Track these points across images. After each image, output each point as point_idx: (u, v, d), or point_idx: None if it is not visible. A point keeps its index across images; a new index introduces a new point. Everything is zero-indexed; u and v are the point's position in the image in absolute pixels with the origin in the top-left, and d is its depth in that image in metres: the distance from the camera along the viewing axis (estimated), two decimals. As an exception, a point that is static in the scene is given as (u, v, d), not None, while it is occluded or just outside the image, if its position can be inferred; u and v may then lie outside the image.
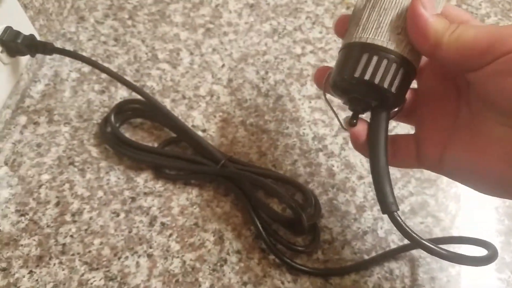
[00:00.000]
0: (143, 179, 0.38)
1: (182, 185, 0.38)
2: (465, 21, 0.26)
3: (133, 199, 0.37)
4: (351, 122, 0.27)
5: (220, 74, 0.45)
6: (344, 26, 0.28)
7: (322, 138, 0.41)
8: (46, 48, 0.38)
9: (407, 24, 0.24)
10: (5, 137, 0.40)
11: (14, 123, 0.41)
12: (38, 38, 0.43)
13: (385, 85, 0.25)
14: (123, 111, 0.41)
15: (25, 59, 0.42)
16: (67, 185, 0.37)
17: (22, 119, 0.41)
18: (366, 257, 0.35)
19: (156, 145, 0.40)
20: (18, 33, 0.38)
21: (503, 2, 0.51)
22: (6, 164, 0.38)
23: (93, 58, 0.46)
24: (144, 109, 0.41)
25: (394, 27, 0.25)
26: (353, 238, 0.35)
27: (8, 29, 0.38)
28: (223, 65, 0.46)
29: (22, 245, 0.34)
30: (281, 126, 0.42)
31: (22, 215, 0.36)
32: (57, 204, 0.36)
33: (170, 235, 0.35)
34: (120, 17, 0.49)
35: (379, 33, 0.25)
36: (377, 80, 0.25)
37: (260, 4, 0.50)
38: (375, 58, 0.25)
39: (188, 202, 0.37)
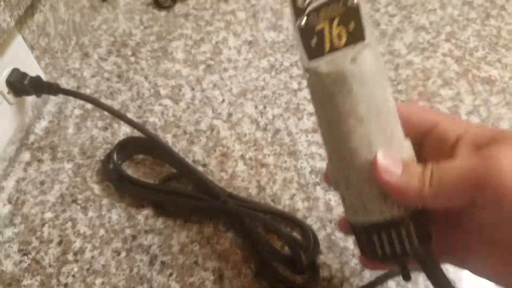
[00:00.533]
0: (144, 216, 0.37)
1: (183, 222, 0.36)
2: (429, 126, 0.24)
3: (134, 237, 0.35)
4: (406, 278, 0.24)
5: (220, 109, 0.44)
6: (347, 225, 0.26)
7: (319, 171, 0.40)
8: (52, 89, 0.38)
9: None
10: (9, 174, 0.39)
11: (18, 160, 0.40)
12: (43, 76, 0.43)
13: (408, 249, 0.23)
14: (126, 148, 0.40)
15: (30, 98, 0.41)
16: (69, 223, 0.36)
17: (26, 156, 0.40)
18: (365, 293, 0.33)
19: (157, 181, 0.39)
20: (24, 74, 0.38)
21: (490, 36, 0.50)
22: (9, 202, 0.37)
23: (97, 95, 0.45)
24: (145, 146, 0.41)
25: (379, 196, 0.22)
26: (351, 274, 0.34)
27: (15, 71, 0.38)
28: (223, 100, 0.45)
29: (24, 285, 0.33)
30: (279, 160, 0.41)
31: (24, 254, 0.34)
32: (60, 242, 0.35)
33: (170, 274, 0.34)
34: (124, 53, 0.49)
35: (370, 210, 0.23)
36: (399, 250, 0.23)
37: (258, 41, 0.50)
38: (384, 235, 0.23)
39: (188, 239, 0.35)
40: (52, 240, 0.35)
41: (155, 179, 0.39)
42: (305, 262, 0.32)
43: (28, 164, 0.40)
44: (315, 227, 0.36)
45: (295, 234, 0.35)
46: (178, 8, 0.53)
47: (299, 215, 0.37)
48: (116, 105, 0.45)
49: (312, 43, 0.23)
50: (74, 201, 0.37)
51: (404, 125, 0.23)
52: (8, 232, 0.35)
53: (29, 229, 0.36)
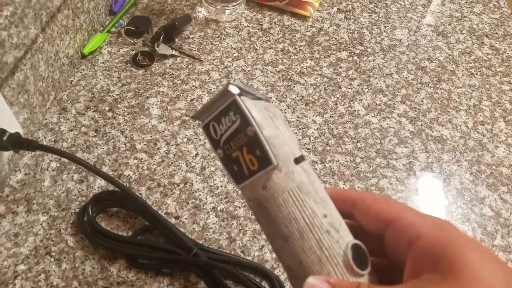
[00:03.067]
0: (116, 269, 0.39)
1: (154, 274, 0.39)
2: (389, 220, 0.25)
3: (107, 289, 0.38)
4: None
5: (193, 163, 0.48)
6: None
7: (287, 224, 0.44)
8: (30, 145, 0.41)
9: None
10: (-17, 227, 0.41)
11: (-7, 213, 0.42)
12: (21, 130, 0.46)
13: None
14: (100, 201, 0.43)
15: (7, 153, 0.44)
16: (42, 276, 0.38)
17: (1, 209, 0.42)
18: None
19: (130, 233, 0.42)
20: (3, 131, 0.41)
21: (441, 98, 0.57)
22: (-18, 255, 0.39)
23: (73, 148, 0.48)
24: (120, 199, 0.43)
25: None
26: (316, 323, 0.37)
27: (-6, 127, 0.40)
28: (196, 154, 0.49)
29: None
30: (249, 212, 0.44)
31: (-5, 307, 0.36)
32: (32, 295, 0.37)
33: (142, 325, 0.36)
34: (101, 109, 0.53)
35: None
36: None
37: (230, 99, 0.55)
38: None
39: (160, 290, 0.38)
40: (24, 293, 0.37)
41: (128, 232, 0.42)
42: (272, 311, 0.35)
43: (2, 216, 0.42)
44: (282, 277, 0.39)
45: (264, 284, 0.38)
46: (155, 67, 0.57)
47: (268, 265, 0.40)
48: (92, 159, 0.48)
49: (234, 168, 0.25)
50: (48, 253, 0.39)
51: (364, 216, 0.26)
52: (-21, 285, 0.37)
53: (1, 281, 0.37)
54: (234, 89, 0.24)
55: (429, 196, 0.47)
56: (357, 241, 0.25)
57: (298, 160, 0.25)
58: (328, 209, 0.25)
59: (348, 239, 0.24)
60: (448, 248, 0.21)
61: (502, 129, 0.54)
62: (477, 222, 0.45)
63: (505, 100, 0.58)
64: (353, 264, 0.23)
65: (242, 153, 0.24)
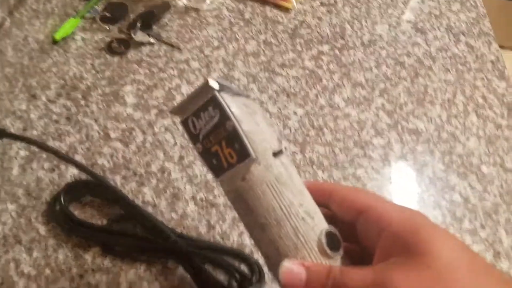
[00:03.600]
0: (91, 256, 0.39)
1: (130, 260, 0.39)
2: (361, 209, 0.27)
3: (81, 276, 0.37)
4: None
5: (172, 152, 0.48)
6: None
7: (266, 213, 0.44)
8: (-3, 131, 0.40)
9: None
10: None
11: (-43, 200, 0.41)
12: (-11, 116, 0.45)
13: None
14: (73, 190, 0.42)
15: (-25, 138, 0.43)
16: (12, 264, 0.37)
17: (-34, 197, 0.41)
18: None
19: (105, 222, 0.41)
20: (-29, 114, 0.40)
21: (418, 92, 0.60)
22: None
23: (44, 137, 0.48)
24: (93, 188, 0.43)
25: None
26: (296, 309, 0.38)
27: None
28: (175, 143, 0.49)
29: (-41, 329, 0.33)
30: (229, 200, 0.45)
31: (-39, 297, 0.35)
32: (1, 283, 0.36)
33: (119, 312, 0.35)
34: (74, 96, 0.52)
35: None
36: None
37: (209, 89, 0.55)
38: None
39: (136, 277, 0.38)
40: (-8, 282, 0.36)
41: (103, 221, 0.42)
42: (252, 296, 0.36)
43: (-32, 204, 0.41)
44: (261, 261, 0.40)
45: (243, 268, 0.39)
46: (131, 54, 0.57)
47: (247, 250, 0.41)
48: (64, 147, 0.47)
49: (213, 162, 0.26)
50: (18, 242, 0.39)
51: (338, 206, 0.28)
52: None
53: (-33, 270, 0.36)
54: (214, 84, 0.25)
55: (403, 185, 0.50)
56: (331, 227, 0.27)
57: (277, 154, 0.26)
58: (304, 198, 0.27)
59: (322, 226, 0.26)
60: (414, 234, 0.23)
61: (474, 122, 0.57)
62: (447, 208, 0.48)
63: (478, 95, 0.61)
64: (326, 248, 0.25)
65: (221, 147, 0.26)
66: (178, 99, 0.54)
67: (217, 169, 0.26)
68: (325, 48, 0.62)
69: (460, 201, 0.49)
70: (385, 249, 0.24)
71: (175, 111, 0.28)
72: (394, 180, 0.50)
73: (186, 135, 0.27)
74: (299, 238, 0.25)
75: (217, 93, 0.25)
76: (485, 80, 0.63)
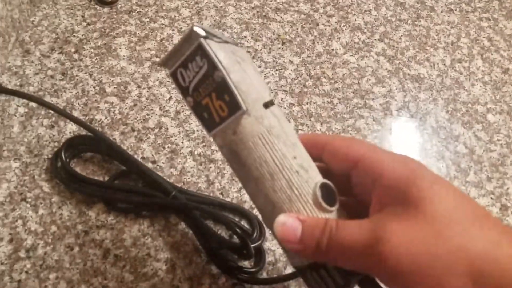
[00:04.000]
0: (95, 213, 0.40)
1: (134, 216, 0.40)
2: (355, 160, 0.26)
3: (86, 233, 0.39)
4: None
5: (167, 107, 0.48)
6: None
7: (265, 165, 0.45)
8: (-5, 89, 0.40)
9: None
10: (-48, 176, 0.41)
11: (-39, 161, 0.42)
12: (-17, 74, 0.45)
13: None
14: (73, 146, 0.43)
15: (-29, 98, 0.43)
16: (20, 222, 0.39)
17: (-31, 157, 0.42)
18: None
19: (107, 178, 0.43)
20: (-35, 74, 0.40)
21: (420, 36, 0.58)
22: (-46, 203, 0.39)
23: (41, 93, 0.48)
24: (93, 144, 0.44)
25: None
26: (293, 258, 0.40)
27: (-46, 70, 0.39)
28: (170, 98, 0.49)
29: (-25, 284, 0.36)
30: (226, 155, 0.46)
31: (-26, 254, 0.37)
32: (11, 240, 0.38)
33: (124, 266, 0.38)
34: (67, 50, 0.51)
35: (291, 257, 0.27)
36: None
37: (204, 39, 0.54)
38: (310, 276, 0.26)
39: (140, 233, 0.39)
40: (2, 239, 0.38)
41: (105, 177, 0.43)
42: (251, 249, 0.37)
43: (-28, 164, 0.42)
44: (260, 216, 0.41)
45: (243, 223, 0.40)
46: (121, 4, 0.55)
47: (246, 206, 0.42)
48: (61, 103, 0.47)
49: (205, 116, 0.26)
50: (24, 199, 0.40)
51: (332, 158, 0.27)
52: (-45, 233, 0.38)
53: (-23, 229, 0.38)
54: (199, 31, 0.24)
55: (405, 135, 0.50)
56: (325, 180, 0.26)
57: (268, 105, 0.26)
58: (298, 151, 0.26)
59: (317, 178, 0.26)
60: (410, 183, 0.23)
61: (479, 66, 0.56)
62: (451, 160, 0.48)
63: (483, 37, 0.59)
64: (321, 201, 0.25)
65: (212, 99, 0.25)
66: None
67: (209, 124, 0.26)
68: (323, -11, 0.60)
69: (465, 151, 0.49)
70: (380, 199, 0.24)
71: (163, 62, 0.27)
72: (396, 131, 0.50)
73: (176, 89, 0.26)
74: (293, 191, 0.25)
75: (203, 41, 0.24)
76: (491, 20, 0.61)
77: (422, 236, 0.21)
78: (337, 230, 0.24)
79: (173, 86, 0.49)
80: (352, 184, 0.27)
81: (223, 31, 0.55)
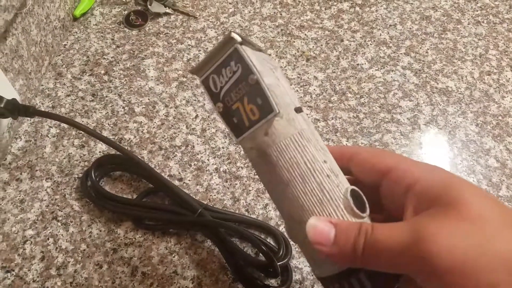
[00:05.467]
0: (123, 230, 0.40)
1: (161, 234, 0.40)
2: (386, 170, 0.26)
3: (115, 250, 0.39)
4: None
5: (194, 125, 0.49)
6: None
7: (291, 182, 0.45)
8: (28, 111, 0.41)
9: None
10: (-12, 195, 0.42)
11: (-4, 181, 0.43)
12: (18, 97, 0.46)
13: None
14: (103, 165, 0.44)
15: (6, 120, 0.44)
16: (51, 240, 0.39)
17: (5, 176, 0.44)
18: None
19: (135, 196, 0.43)
20: (0, 98, 0.41)
21: (447, 49, 0.57)
22: (-10, 222, 0.40)
23: (72, 114, 0.49)
24: (122, 163, 0.44)
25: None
26: (321, 276, 0.39)
27: (-10, 95, 0.41)
28: (196, 116, 0.49)
29: (8, 301, 0.36)
30: (252, 172, 0.45)
31: (7, 271, 0.38)
32: (42, 258, 0.38)
33: (151, 284, 0.37)
34: (97, 72, 0.53)
35: (319, 266, 0.26)
36: None
37: (229, 57, 0.55)
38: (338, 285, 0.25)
39: (167, 250, 0.39)
40: (34, 257, 0.38)
41: (133, 195, 0.43)
42: (278, 267, 0.36)
43: (7, 183, 0.43)
44: (287, 234, 0.40)
45: (269, 241, 0.40)
46: (149, 26, 0.57)
47: (272, 223, 0.41)
48: (91, 124, 0.48)
49: (234, 121, 0.26)
50: (55, 218, 0.41)
51: (361, 169, 0.27)
52: (-10, 251, 0.38)
53: (11, 247, 0.39)
54: (236, 37, 0.24)
55: (434, 149, 0.48)
56: (355, 187, 0.26)
57: (298, 110, 0.26)
58: (328, 156, 0.26)
59: (347, 184, 0.26)
60: (447, 186, 0.23)
61: (509, 78, 0.54)
62: (482, 174, 0.46)
63: (513, 49, 0.57)
64: (353, 206, 0.24)
65: (243, 103, 0.25)
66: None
67: (238, 129, 0.26)
68: (345, 5, 0.60)
69: (497, 165, 0.47)
70: (416, 206, 0.24)
71: (195, 70, 0.27)
72: (424, 145, 0.48)
73: (206, 95, 0.27)
74: (325, 194, 0.24)
75: (239, 46, 0.24)
76: (521, 31, 0.59)
77: (466, 235, 0.21)
78: (374, 232, 0.23)
79: (202, 99, 0.50)
80: (382, 195, 0.27)
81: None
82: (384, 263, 0.23)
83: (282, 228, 0.41)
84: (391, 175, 0.25)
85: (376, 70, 0.54)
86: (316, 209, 0.24)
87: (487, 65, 0.55)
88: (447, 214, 0.22)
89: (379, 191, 0.27)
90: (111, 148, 0.44)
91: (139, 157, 0.45)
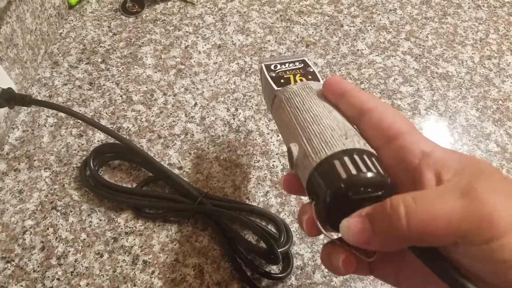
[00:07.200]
0: (123, 219, 0.40)
1: (162, 222, 0.40)
2: (396, 133, 0.25)
3: (115, 239, 0.39)
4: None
5: (193, 113, 0.48)
6: (292, 185, 0.28)
7: (291, 169, 0.44)
8: (25, 101, 0.40)
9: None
10: (-14, 185, 0.42)
11: (-6, 171, 0.43)
12: (14, 86, 0.45)
13: (376, 172, 0.23)
14: (101, 154, 0.43)
15: (3, 110, 0.44)
16: (51, 230, 0.39)
17: (3, 167, 0.43)
18: (335, 279, 0.38)
19: (135, 185, 0.42)
20: (-4, 87, 0.40)
21: (447, 33, 0.56)
22: (-11, 212, 0.40)
23: (69, 103, 0.48)
24: (121, 151, 0.44)
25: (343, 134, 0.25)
26: (323, 262, 0.39)
27: (-14, 83, 0.40)
28: (195, 104, 0.49)
29: (9, 291, 0.36)
30: (252, 160, 0.45)
31: (8, 262, 0.37)
32: (42, 248, 0.38)
33: (153, 272, 0.37)
34: (94, 61, 0.52)
35: (334, 143, 0.25)
36: (371, 169, 0.23)
37: (227, 44, 0.54)
38: (352, 159, 0.24)
39: (168, 239, 0.39)
40: (34, 247, 0.38)
41: (133, 184, 0.43)
42: (279, 254, 0.36)
43: (5, 174, 0.42)
44: (288, 220, 0.40)
45: (270, 228, 0.39)
46: (146, 13, 0.56)
47: (273, 210, 0.41)
48: (89, 112, 0.48)
49: (281, 81, 0.32)
50: (54, 207, 0.40)
51: (367, 129, 0.26)
52: (-10, 242, 0.38)
53: (11, 237, 0.38)
54: (305, 56, 0.35)
55: (435, 134, 0.48)
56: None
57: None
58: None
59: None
60: (469, 159, 0.22)
61: (510, 62, 0.54)
62: (483, 158, 0.46)
63: (514, 32, 0.56)
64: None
65: (295, 76, 0.33)
66: (195, 57, 0.52)
67: (282, 84, 0.32)
68: (347, -9, 0.59)
69: (497, 150, 0.47)
70: (436, 173, 0.22)
71: (263, 60, 0.35)
72: (425, 130, 0.48)
73: (262, 70, 0.34)
74: (353, 127, 0.27)
75: (307, 59, 0.35)
76: (522, 14, 0.58)
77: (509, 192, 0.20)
78: (418, 204, 0.20)
79: (201, 87, 0.49)
80: (384, 158, 0.25)
81: (246, 36, 0.55)
82: (436, 235, 0.20)
83: (283, 215, 0.41)
84: (401, 141, 0.24)
85: (376, 55, 0.53)
86: (347, 133, 0.25)
87: (487, 49, 0.55)
88: (487, 179, 0.21)
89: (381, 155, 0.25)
90: (110, 137, 0.44)
91: (138, 146, 0.44)
